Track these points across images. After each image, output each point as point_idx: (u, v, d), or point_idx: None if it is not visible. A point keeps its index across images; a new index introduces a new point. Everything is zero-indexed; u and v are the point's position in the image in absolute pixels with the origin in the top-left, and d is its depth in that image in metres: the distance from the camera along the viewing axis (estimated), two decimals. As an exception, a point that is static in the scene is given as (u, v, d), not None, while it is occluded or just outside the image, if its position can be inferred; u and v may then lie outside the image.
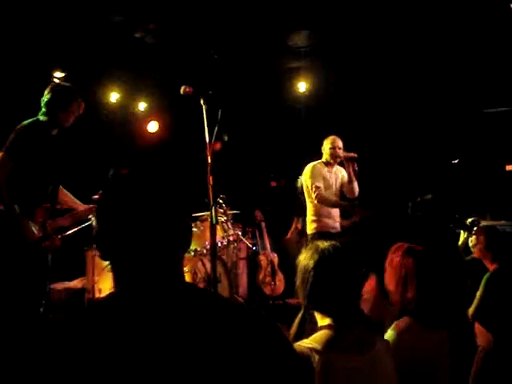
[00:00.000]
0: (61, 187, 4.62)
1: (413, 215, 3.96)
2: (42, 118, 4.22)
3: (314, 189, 5.79)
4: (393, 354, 2.25)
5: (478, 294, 4.13)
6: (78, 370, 1.25)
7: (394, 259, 2.81)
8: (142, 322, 1.32)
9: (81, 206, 4.63)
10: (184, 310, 1.37)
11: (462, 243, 4.74)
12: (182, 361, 1.28)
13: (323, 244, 2.30)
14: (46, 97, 4.24)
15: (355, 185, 5.94)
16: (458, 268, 3.85)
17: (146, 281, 1.42)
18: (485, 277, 4.17)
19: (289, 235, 7.78)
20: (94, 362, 1.26)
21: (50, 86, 4.32)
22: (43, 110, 4.23)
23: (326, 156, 5.99)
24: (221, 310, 1.41)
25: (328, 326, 2.17)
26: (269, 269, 7.57)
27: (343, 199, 6.05)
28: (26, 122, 4.20)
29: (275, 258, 7.71)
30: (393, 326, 2.66)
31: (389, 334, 2.60)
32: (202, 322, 1.35)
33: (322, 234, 5.73)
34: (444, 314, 2.71)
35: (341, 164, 6.06)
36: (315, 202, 5.81)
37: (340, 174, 6.09)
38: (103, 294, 5.75)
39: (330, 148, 5.92)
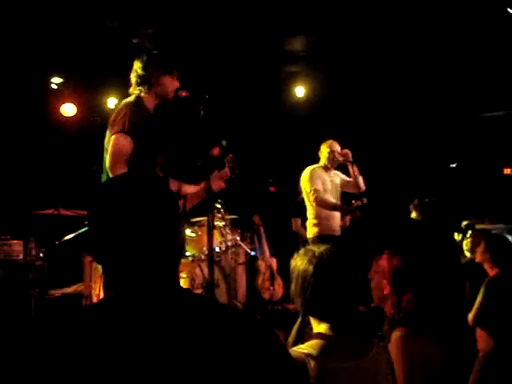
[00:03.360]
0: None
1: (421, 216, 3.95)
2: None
3: (312, 191, 5.79)
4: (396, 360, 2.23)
5: (479, 299, 4.12)
6: (69, 375, 1.24)
7: (380, 264, 2.77)
8: (135, 329, 1.31)
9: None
10: (177, 315, 1.36)
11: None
12: (175, 367, 1.27)
13: (319, 248, 2.26)
14: None
15: (360, 179, 5.95)
16: (453, 270, 3.83)
17: (138, 286, 1.41)
18: (485, 281, 4.16)
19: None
20: (86, 367, 1.25)
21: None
22: None
23: (323, 160, 5.99)
24: (215, 316, 1.40)
25: (324, 332, 2.16)
26: (267, 274, 7.57)
27: (348, 198, 6.07)
28: None
29: (274, 262, 7.71)
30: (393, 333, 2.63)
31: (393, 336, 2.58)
32: (196, 327, 1.34)
33: (323, 237, 5.72)
34: (438, 317, 2.69)
35: (337, 168, 6.09)
36: (314, 204, 5.81)
37: (337, 178, 6.10)
38: (100, 300, 5.73)
39: (329, 152, 5.93)
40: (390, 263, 2.77)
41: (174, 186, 4.01)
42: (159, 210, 1.45)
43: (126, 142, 3.64)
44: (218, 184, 4.10)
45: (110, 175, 3.61)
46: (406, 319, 2.62)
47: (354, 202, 5.93)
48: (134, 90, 3.93)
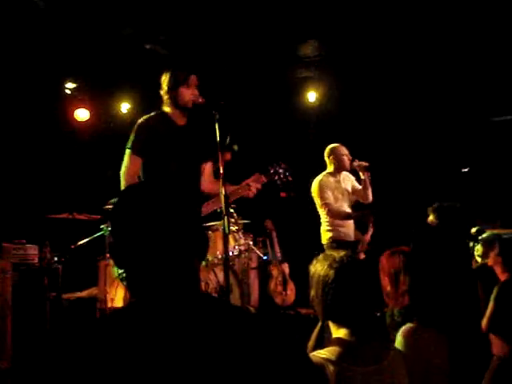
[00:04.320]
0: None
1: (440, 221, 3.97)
2: None
3: (323, 206, 5.80)
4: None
5: (490, 304, 4.12)
6: (91, 380, 1.27)
7: (382, 262, 2.84)
8: (157, 336, 1.33)
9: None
10: (200, 321, 1.38)
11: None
12: (197, 371, 1.29)
13: (338, 254, 2.28)
14: None
15: (369, 191, 5.94)
16: (464, 273, 3.85)
17: (161, 292, 1.42)
18: (496, 287, 4.16)
19: None
20: (108, 373, 1.27)
21: None
22: None
23: (332, 166, 5.96)
24: (237, 321, 1.42)
25: (343, 337, 2.18)
26: (280, 278, 7.57)
27: (357, 206, 6.05)
28: None
29: (286, 267, 7.71)
30: (400, 331, 2.66)
31: (397, 341, 2.61)
32: (218, 332, 1.36)
33: (338, 242, 5.72)
34: (442, 317, 2.71)
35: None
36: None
37: (349, 180, 6.08)
38: (115, 304, 5.76)
39: (343, 155, 5.90)
40: (389, 262, 2.81)
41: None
42: (180, 216, 1.47)
43: (133, 163, 3.97)
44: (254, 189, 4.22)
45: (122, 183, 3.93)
46: (406, 316, 2.65)
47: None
48: (163, 106, 4.14)
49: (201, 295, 1.50)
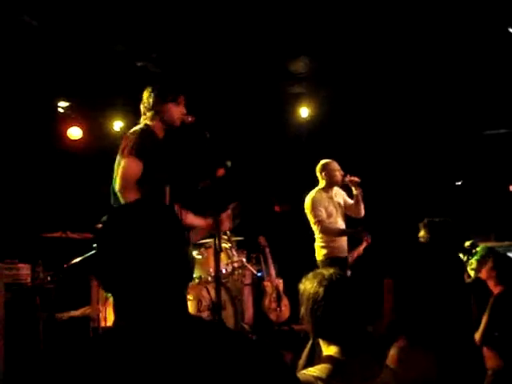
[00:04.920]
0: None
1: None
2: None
3: (317, 224, 5.83)
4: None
5: (484, 318, 4.12)
6: None
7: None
8: (143, 359, 1.32)
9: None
10: (186, 343, 1.37)
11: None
12: None
13: (328, 271, 2.29)
14: None
15: (361, 206, 5.98)
16: (457, 289, 3.84)
17: (148, 315, 1.42)
18: (490, 301, 4.16)
19: None
20: None
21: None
22: None
23: (324, 182, 5.98)
24: (225, 343, 1.41)
25: (334, 354, 2.17)
26: (274, 295, 7.55)
27: (349, 222, 6.08)
28: None
29: (280, 283, 7.69)
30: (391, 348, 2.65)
31: (389, 357, 2.60)
32: (204, 355, 1.35)
33: (333, 259, 5.74)
34: (433, 333, 2.70)
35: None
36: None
37: (340, 195, 6.11)
38: (108, 323, 5.73)
39: (335, 170, 5.93)
40: (386, 285, 2.82)
41: (188, 218, 4.10)
42: (167, 239, 1.47)
43: (136, 165, 3.77)
44: (227, 224, 4.22)
45: (120, 198, 3.74)
46: (393, 335, 2.65)
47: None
48: (143, 120, 4.07)
49: (188, 317, 1.49)
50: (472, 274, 4.95)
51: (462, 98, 7.89)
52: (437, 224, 4.02)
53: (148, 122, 4.07)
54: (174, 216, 1.54)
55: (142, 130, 3.99)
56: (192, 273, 1.57)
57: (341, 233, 5.92)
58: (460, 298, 3.82)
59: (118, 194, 3.75)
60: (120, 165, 3.82)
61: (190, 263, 1.53)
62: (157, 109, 4.03)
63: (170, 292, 1.45)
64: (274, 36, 6.65)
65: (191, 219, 4.13)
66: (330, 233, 5.84)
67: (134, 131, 3.99)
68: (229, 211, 4.29)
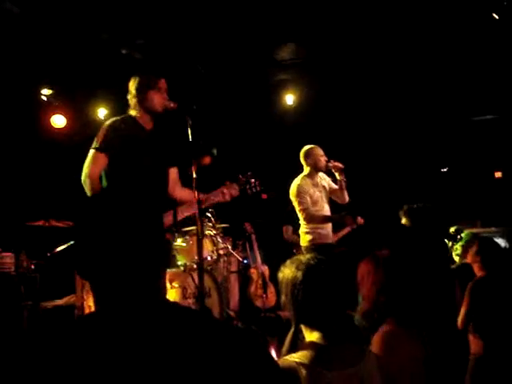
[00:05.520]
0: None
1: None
2: None
3: (301, 211, 5.82)
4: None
5: (464, 302, 4.13)
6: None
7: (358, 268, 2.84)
8: (118, 345, 1.32)
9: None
10: (161, 329, 1.37)
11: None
12: (159, 380, 1.28)
13: (305, 257, 2.29)
14: None
15: (345, 192, 5.98)
16: (440, 274, 3.85)
17: (124, 301, 1.42)
18: (469, 285, 4.17)
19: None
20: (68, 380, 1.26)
21: None
22: None
23: (309, 168, 5.96)
24: (200, 329, 1.41)
25: (316, 340, 2.16)
26: (260, 281, 7.56)
27: (333, 207, 6.08)
28: None
29: (266, 270, 7.69)
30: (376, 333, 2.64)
31: (373, 342, 2.59)
32: (179, 341, 1.35)
33: (317, 245, 5.74)
34: (419, 316, 2.70)
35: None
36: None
37: (325, 181, 6.10)
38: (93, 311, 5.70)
39: (319, 156, 5.91)
40: (363, 267, 2.80)
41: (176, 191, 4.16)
42: (142, 225, 1.47)
43: (99, 159, 3.86)
44: (223, 196, 4.21)
45: (84, 187, 3.83)
46: (380, 319, 2.64)
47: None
48: (129, 110, 4.11)
49: (164, 303, 1.49)
50: (457, 259, 4.98)
51: (449, 83, 7.89)
52: (416, 210, 4.04)
53: (132, 113, 4.10)
54: (150, 202, 1.53)
55: (116, 120, 4.03)
56: (169, 258, 1.56)
57: (325, 219, 5.92)
58: (445, 282, 3.83)
59: (82, 183, 3.85)
60: (87, 156, 3.93)
61: (165, 249, 1.53)
62: (139, 98, 4.04)
63: (146, 278, 1.45)
64: (260, 22, 6.61)
65: (179, 193, 4.25)
66: (314, 220, 5.83)
67: (109, 122, 4.04)
68: (228, 184, 4.33)
